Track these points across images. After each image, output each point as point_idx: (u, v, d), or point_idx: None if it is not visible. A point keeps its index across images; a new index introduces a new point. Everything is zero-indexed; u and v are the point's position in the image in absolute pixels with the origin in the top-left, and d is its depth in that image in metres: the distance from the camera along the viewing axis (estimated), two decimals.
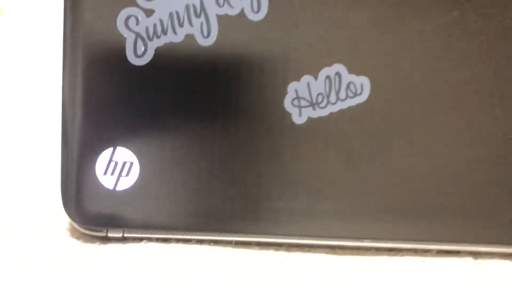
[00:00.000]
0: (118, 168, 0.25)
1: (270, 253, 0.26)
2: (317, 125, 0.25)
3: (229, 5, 0.24)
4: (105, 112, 0.25)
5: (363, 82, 0.25)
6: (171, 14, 0.24)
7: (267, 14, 0.24)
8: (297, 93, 0.25)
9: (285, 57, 0.25)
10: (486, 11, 0.24)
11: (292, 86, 0.25)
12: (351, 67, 0.24)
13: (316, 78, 0.25)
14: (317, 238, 0.25)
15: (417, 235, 0.25)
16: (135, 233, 0.26)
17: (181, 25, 0.24)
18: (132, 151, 0.25)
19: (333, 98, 0.25)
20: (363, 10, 0.24)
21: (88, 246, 0.26)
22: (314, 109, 0.25)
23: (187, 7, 0.24)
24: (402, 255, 0.26)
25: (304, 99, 0.25)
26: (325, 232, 0.25)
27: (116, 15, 0.24)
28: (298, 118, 0.25)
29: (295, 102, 0.25)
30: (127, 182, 0.25)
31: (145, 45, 0.25)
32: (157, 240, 0.26)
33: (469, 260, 0.26)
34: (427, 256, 0.26)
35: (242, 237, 0.26)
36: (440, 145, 0.25)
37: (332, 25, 0.24)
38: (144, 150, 0.25)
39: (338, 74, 0.25)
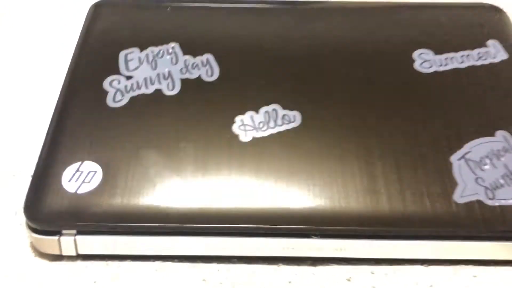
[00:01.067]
0: (83, 176, 0.28)
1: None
2: (260, 142, 0.30)
3: (190, 73, 0.33)
4: (82, 134, 0.30)
5: (295, 115, 0.31)
6: (145, 78, 0.33)
7: (219, 77, 0.33)
8: (242, 122, 0.30)
9: (233, 101, 0.31)
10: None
11: (238, 117, 0.31)
12: (285, 105, 0.31)
13: (257, 112, 0.31)
14: None
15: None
16: (88, 228, 0.26)
17: (152, 84, 0.32)
18: (98, 163, 0.28)
19: (272, 124, 0.30)
20: (292, 67, 0.33)
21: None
22: (257, 131, 0.30)
23: (158, 74, 0.33)
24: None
25: (248, 125, 0.30)
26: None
27: (104, 79, 0.32)
28: (244, 137, 0.30)
29: (241, 127, 0.30)
30: (88, 187, 0.28)
31: (122, 95, 0.32)
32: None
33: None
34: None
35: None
36: (355, 154, 0.29)
37: (268, 79, 0.33)
38: (107, 163, 0.28)
39: (274, 110, 0.31)
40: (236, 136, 0.30)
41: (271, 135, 0.30)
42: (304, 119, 0.30)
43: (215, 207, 0.27)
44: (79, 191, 0.27)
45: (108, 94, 0.32)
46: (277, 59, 0.34)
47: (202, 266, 0.27)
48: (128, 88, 0.32)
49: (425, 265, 0.27)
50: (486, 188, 0.28)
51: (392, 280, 0.27)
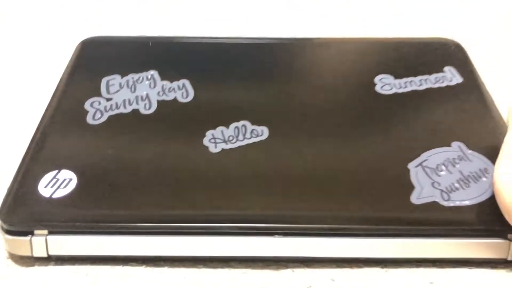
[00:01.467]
0: (58, 183, 0.30)
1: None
2: (228, 153, 0.31)
3: (166, 95, 0.35)
4: (62, 146, 0.32)
5: (263, 129, 0.33)
6: (124, 100, 0.35)
7: (193, 99, 0.35)
8: (213, 135, 0.32)
9: (205, 119, 0.34)
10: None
11: (209, 132, 0.33)
12: (254, 121, 0.33)
13: (227, 127, 0.33)
14: None
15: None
16: (59, 228, 0.28)
17: (130, 104, 0.35)
18: (74, 172, 0.30)
19: (241, 137, 0.32)
20: (262, 90, 0.35)
21: None
22: (226, 144, 0.32)
23: (136, 97, 0.35)
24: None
25: (218, 138, 0.32)
26: None
27: (85, 100, 0.35)
28: (214, 149, 0.32)
29: (212, 140, 0.32)
30: (63, 192, 0.29)
31: (102, 114, 0.34)
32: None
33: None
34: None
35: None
36: (318, 162, 0.31)
37: (239, 100, 0.35)
38: (82, 171, 0.30)
39: (244, 125, 0.33)
40: (206, 148, 0.31)
41: (240, 147, 0.32)
42: (271, 133, 0.32)
43: (182, 208, 0.28)
44: (54, 196, 0.29)
45: (88, 113, 0.34)
46: (248, 85, 0.36)
47: (170, 270, 0.28)
48: (108, 108, 0.34)
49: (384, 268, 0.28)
50: (442, 191, 0.29)
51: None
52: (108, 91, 0.35)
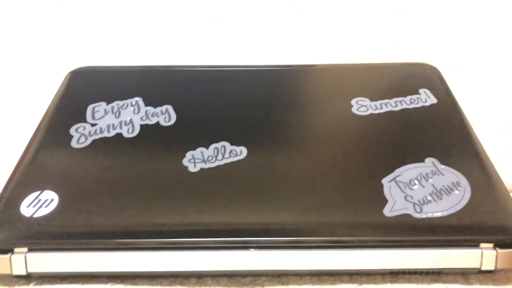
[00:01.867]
0: (40, 203, 0.30)
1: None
2: (207, 172, 0.32)
3: (149, 119, 0.37)
4: (46, 169, 0.33)
5: (241, 149, 0.34)
6: (108, 125, 0.36)
7: (175, 122, 0.36)
8: (192, 156, 0.33)
9: (186, 141, 0.35)
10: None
11: (189, 153, 0.34)
12: (233, 142, 0.34)
13: (207, 148, 0.34)
14: None
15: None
16: (38, 245, 0.28)
17: (114, 129, 0.36)
18: (56, 192, 0.31)
19: (220, 157, 0.33)
20: (242, 114, 0.37)
21: None
22: (205, 163, 0.33)
23: (120, 122, 0.36)
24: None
25: (198, 158, 0.33)
26: None
27: (71, 126, 0.36)
28: (193, 168, 0.33)
29: (191, 160, 0.33)
30: (44, 211, 0.30)
31: (86, 138, 0.35)
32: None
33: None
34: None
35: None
36: (295, 177, 0.32)
37: (219, 124, 0.36)
38: (64, 192, 0.31)
39: (223, 146, 0.34)
40: (185, 168, 0.32)
41: (218, 166, 0.33)
42: (249, 152, 0.33)
43: (161, 223, 0.29)
44: (35, 215, 0.29)
45: (73, 138, 0.35)
46: (228, 109, 0.38)
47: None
48: (92, 132, 0.35)
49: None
50: (415, 203, 0.30)
51: None
52: (93, 117, 0.36)
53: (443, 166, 0.32)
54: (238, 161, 0.33)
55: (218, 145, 0.34)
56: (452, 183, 0.31)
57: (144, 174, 0.32)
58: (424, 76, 0.41)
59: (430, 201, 0.30)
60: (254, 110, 0.37)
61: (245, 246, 0.28)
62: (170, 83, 0.40)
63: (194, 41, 0.52)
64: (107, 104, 0.38)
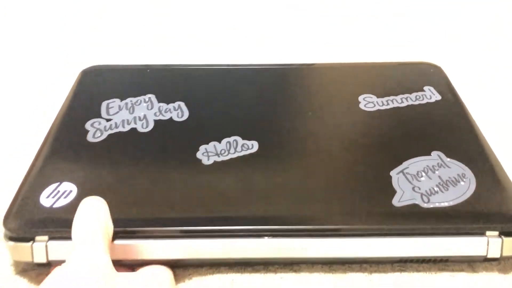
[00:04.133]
0: (59, 194, 0.31)
1: None
2: (220, 165, 0.33)
3: (162, 115, 0.38)
4: (63, 162, 0.34)
5: (253, 143, 0.35)
6: (123, 120, 0.37)
7: (188, 118, 0.37)
8: (206, 150, 0.34)
9: (199, 135, 0.36)
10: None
11: (202, 147, 0.35)
12: (244, 136, 0.35)
13: (220, 142, 0.35)
14: None
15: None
16: (58, 234, 0.29)
17: (128, 124, 0.37)
18: (74, 184, 0.32)
19: (232, 151, 0.34)
20: (253, 109, 0.38)
21: None
22: (218, 156, 0.34)
23: (134, 117, 0.37)
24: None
25: (211, 152, 0.34)
26: None
27: (86, 121, 0.37)
28: (207, 161, 0.34)
29: (204, 154, 0.34)
30: (63, 202, 0.31)
31: (101, 133, 0.36)
32: None
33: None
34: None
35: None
36: (307, 171, 0.33)
37: (231, 119, 0.37)
38: (83, 183, 0.32)
39: (235, 140, 0.35)
40: (199, 160, 0.33)
41: (231, 159, 0.34)
42: (261, 146, 0.34)
43: (176, 212, 0.30)
44: (55, 205, 0.30)
45: (89, 132, 0.36)
46: (239, 105, 0.39)
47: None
48: (107, 127, 0.36)
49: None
50: (422, 194, 0.31)
51: None
52: (108, 113, 0.37)
53: (448, 159, 0.33)
54: (250, 154, 0.34)
55: (230, 139, 0.35)
56: (458, 175, 0.32)
57: (159, 166, 0.33)
58: (428, 75, 0.42)
59: (437, 192, 0.31)
60: (264, 106, 0.39)
61: (259, 235, 0.29)
62: (182, 81, 0.42)
63: (194, 41, 0.53)
64: (121, 101, 0.39)
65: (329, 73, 0.43)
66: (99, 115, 0.37)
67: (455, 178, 0.32)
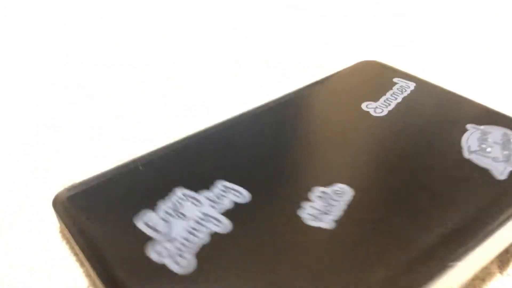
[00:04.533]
0: None
1: None
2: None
3: (221, 204, 0.29)
4: None
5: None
6: (187, 231, 0.27)
7: (252, 198, 0.29)
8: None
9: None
10: None
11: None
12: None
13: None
14: None
15: None
16: None
17: (199, 231, 0.27)
18: None
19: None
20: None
21: None
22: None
23: (196, 221, 0.28)
24: None
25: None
26: None
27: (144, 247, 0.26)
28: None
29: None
30: None
31: (185, 257, 0.26)
32: None
33: None
34: None
35: None
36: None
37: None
38: None
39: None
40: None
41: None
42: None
43: None
44: None
45: (166, 263, 0.26)
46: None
47: None
48: (183, 249, 0.26)
49: None
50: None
51: None
52: (157, 231, 0.27)
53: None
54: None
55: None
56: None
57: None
58: (383, 71, 0.42)
59: None
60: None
61: None
62: (194, 155, 0.32)
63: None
64: (155, 211, 0.29)
65: (312, 98, 0.39)
66: (150, 238, 0.27)
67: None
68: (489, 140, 0.33)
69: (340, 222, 0.27)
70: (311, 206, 0.28)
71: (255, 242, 0.26)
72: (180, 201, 0.29)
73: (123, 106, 0.42)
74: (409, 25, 0.55)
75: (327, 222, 0.27)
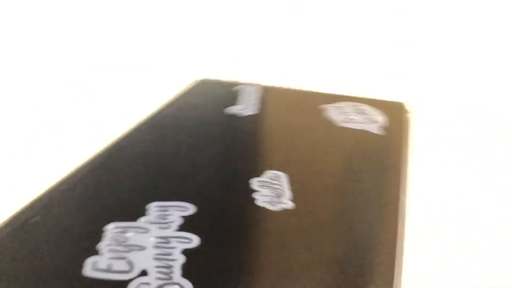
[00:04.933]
0: None
1: None
2: None
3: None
4: None
5: None
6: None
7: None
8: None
9: None
10: None
11: None
12: None
13: None
14: None
15: None
16: None
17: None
18: None
19: None
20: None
21: None
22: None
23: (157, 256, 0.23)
24: None
25: None
26: None
27: None
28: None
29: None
30: None
31: None
32: None
33: None
34: None
35: None
36: None
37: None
38: None
39: None
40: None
41: None
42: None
43: None
44: None
45: None
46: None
47: None
48: (165, 277, 0.22)
49: None
50: None
51: None
52: (122, 272, 0.22)
53: None
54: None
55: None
56: None
57: None
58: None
59: None
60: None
61: None
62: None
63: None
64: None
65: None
66: None
67: None
68: None
69: None
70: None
71: (230, 244, 0.24)
72: (120, 234, 0.24)
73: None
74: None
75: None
